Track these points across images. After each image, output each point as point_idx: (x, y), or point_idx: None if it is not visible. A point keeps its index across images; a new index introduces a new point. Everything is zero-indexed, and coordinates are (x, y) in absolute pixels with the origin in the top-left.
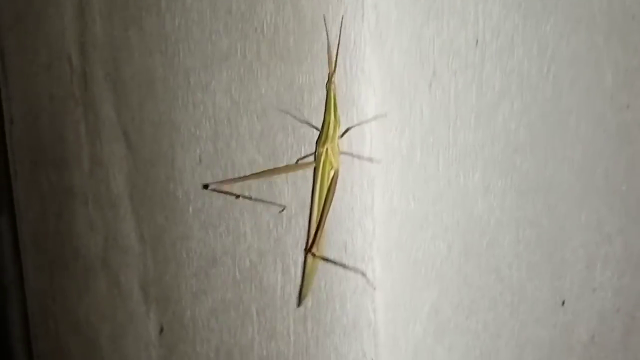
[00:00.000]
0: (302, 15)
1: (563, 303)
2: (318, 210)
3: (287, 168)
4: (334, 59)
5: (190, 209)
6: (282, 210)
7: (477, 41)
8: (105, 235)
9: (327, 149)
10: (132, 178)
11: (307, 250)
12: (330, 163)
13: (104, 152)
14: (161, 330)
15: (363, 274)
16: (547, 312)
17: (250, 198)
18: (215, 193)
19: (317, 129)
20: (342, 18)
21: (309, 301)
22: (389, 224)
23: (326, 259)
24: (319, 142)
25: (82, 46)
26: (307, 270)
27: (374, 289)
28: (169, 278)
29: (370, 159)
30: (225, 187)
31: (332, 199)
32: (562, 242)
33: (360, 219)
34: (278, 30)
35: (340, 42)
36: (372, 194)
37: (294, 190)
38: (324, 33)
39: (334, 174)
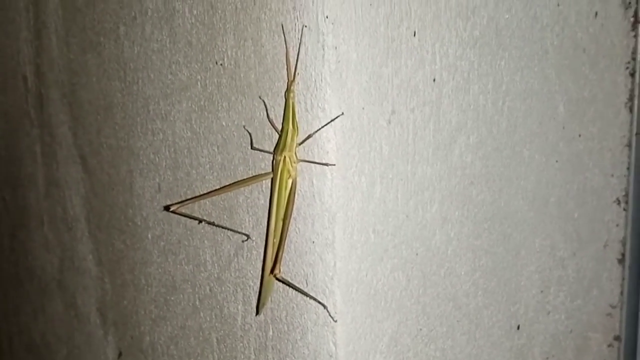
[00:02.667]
0: (263, 53)
1: (518, 327)
2: (276, 222)
3: (245, 181)
4: (293, 67)
5: (149, 235)
6: (246, 240)
7: (434, 79)
8: (60, 256)
9: (284, 157)
10: (89, 201)
11: (270, 271)
12: (288, 172)
13: (60, 174)
14: (120, 354)
15: (324, 307)
16: (503, 337)
17: (212, 223)
18: (175, 220)
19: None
20: (303, 28)
21: (269, 330)
22: (350, 258)
23: (289, 284)
24: (276, 150)
25: (37, 67)
26: (265, 280)
27: (335, 321)
28: (127, 303)
29: (326, 164)
30: (185, 209)
31: (291, 213)
32: (517, 268)
33: (321, 253)
34: (239, 65)
35: (300, 51)
36: (332, 230)
37: (255, 220)
38: (285, 71)
39: (292, 183)
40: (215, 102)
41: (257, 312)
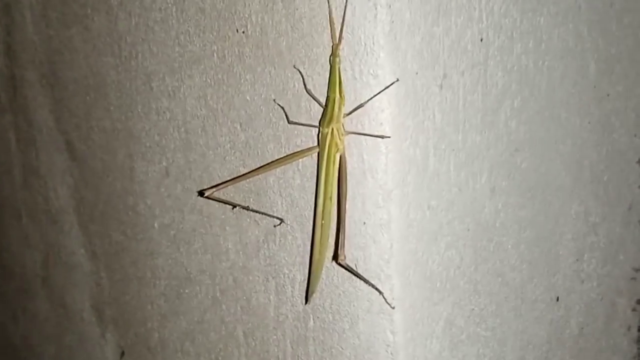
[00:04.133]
0: (298, 17)
1: (557, 299)
2: (324, 201)
3: (287, 158)
4: (339, 29)
5: (156, 224)
6: (279, 224)
7: (481, 39)
8: (44, 251)
9: (332, 129)
10: (78, 191)
11: (333, 258)
12: (336, 145)
13: (40, 162)
14: (122, 354)
15: (381, 293)
16: (545, 311)
17: (247, 208)
18: (188, 207)
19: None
20: None
21: (309, 320)
22: (407, 239)
23: (352, 271)
24: (322, 122)
25: (8, 47)
26: (313, 266)
27: (393, 308)
28: (130, 298)
29: (381, 136)
30: (219, 194)
31: (347, 191)
32: (556, 237)
33: (374, 235)
34: (266, 32)
35: (346, 10)
36: (388, 209)
37: (290, 202)
38: (326, 35)
39: (341, 158)
40: (236, 75)
41: (307, 301)
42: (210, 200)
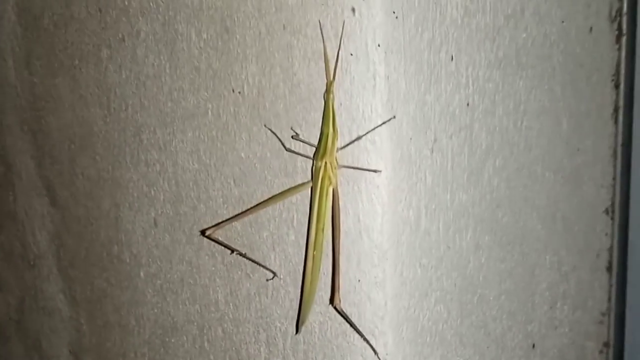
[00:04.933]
0: (296, 82)
1: (533, 346)
2: (316, 233)
3: (283, 194)
4: (333, 66)
5: (142, 273)
6: (272, 279)
7: (468, 103)
8: (19, 295)
9: (325, 163)
10: (59, 236)
11: (330, 302)
12: (329, 178)
13: (18, 206)
14: None
15: (375, 351)
16: (522, 357)
17: (244, 255)
18: (177, 257)
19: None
20: (343, 24)
21: (298, 358)
22: (400, 296)
23: (346, 318)
24: (316, 155)
25: None
26: (304, 296)
27: None
28: (112, 345)
29: (373, 170)
30: (218, 234)
31: (340, 228)
32: (533, 287)
33: (368, 292)
34: (263, 94)
35: (340, 52)
36: (383, 268)
37: (283, 257)
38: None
39: (333, 192)
40: (231, 133)
41: (297, 331)
42: (200, 252)
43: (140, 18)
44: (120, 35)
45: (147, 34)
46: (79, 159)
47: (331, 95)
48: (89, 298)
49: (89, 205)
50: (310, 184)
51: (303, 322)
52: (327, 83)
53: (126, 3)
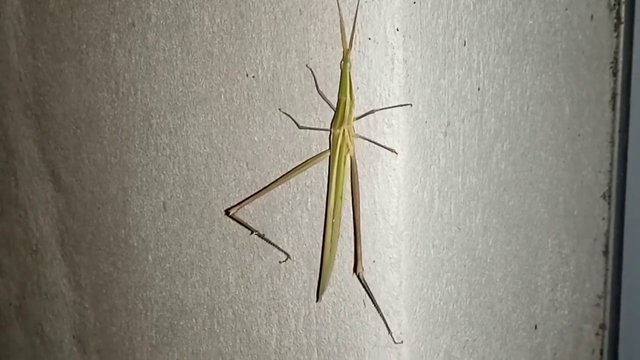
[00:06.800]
0: (312, 65)
1: (536, 327)
2: (335, 201)
3: (302, 166)
4: (350, 35)
5: (150, 257)
6: (285, 260)
7: (478, 88)
8: (21, 281)
9: (343, 131)
10: (63, 221)
11: (353, 270)
12: (347, 146)
13: (20, 192)
14: None
15: (389, 330)
16: (525, 338)
17: (262, 236)
18: (187, 241)
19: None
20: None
21: (313, 353)
22: (414, 276)
23: (366, 288)
24: (334, 124)
25: None
26: (324, 264)
27: (401, 342)
28: (118, 329)
29: (391, 150)
30: (240, 214)
31: (359, 198)
32: (535, 269)
33: (383, 273)
34: (277, 78)
35: (357, 21)
36: (398, 249)
37: (297, 239)
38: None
39: (352, 160)
40: (244, 116)
41: (318, 298)
42: (211, 235)
43: (151, 2)
44: (130, 20)
45: (158, 19)
46: (85, 144)
47: (348, 64)
48: (94, 282)
49: (96, 190)
50: (328, 153)
51: (323, 291)
52: (343, 51)
53: None
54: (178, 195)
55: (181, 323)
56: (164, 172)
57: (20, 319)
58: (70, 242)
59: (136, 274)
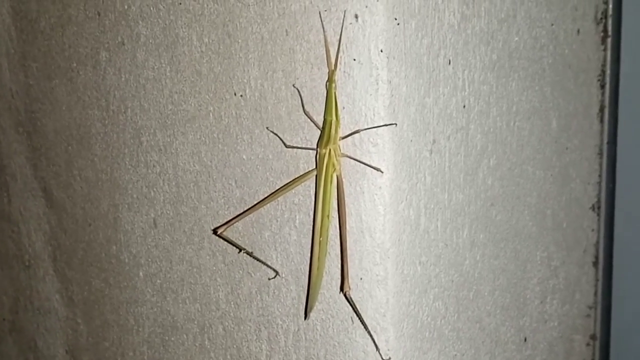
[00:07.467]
0: (299, 86)
1: (525, 339)
2: (322, 219)
3: (289, 185)
4: (335, 56)
5: (141, 273)
6: (273, 277)
7: (464, 105)
8: (14, 296)
9: (329, 150)
10: (55, 237)
11: (340, 289)
12: (333, 165)
13: (12, 208)
14: None
15: (377, 347)
16: (515, 351)
17: (251, 254)
18: (177, 257)
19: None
20: (344, 13)
21: (300, 354)
22: (401, 293)
23: (353, 306)
24: (320, 143)
25: None
26: (312, 282)
27: (389, 359)
28: (110, 344)
29: (376, 168)
30: (228, 232)
31: (345, 217)
32: (524, 282)
33: (370, 290)
34: (265, 97)
35: (341, 42)
36: (385, 266)
37: (285, 257)
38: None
39: (337, 179)
40: (232, 135)
41: (306, 316)
42: (201, 252)
43: (140, 22)
44: (119, 39)
45: (148, 38)
46: (76, 161)
47: (333, 84)
48: (86, 298)
49: (87, 207)
50: (315, 172)
51: (311, 308)
52: (328, 72)
53: (125, 7)
54: (168, 212)
55: (172, 339)
56: (154, 189)
57: (13, 334)
58: (62, 257)
59: (128, 290)
